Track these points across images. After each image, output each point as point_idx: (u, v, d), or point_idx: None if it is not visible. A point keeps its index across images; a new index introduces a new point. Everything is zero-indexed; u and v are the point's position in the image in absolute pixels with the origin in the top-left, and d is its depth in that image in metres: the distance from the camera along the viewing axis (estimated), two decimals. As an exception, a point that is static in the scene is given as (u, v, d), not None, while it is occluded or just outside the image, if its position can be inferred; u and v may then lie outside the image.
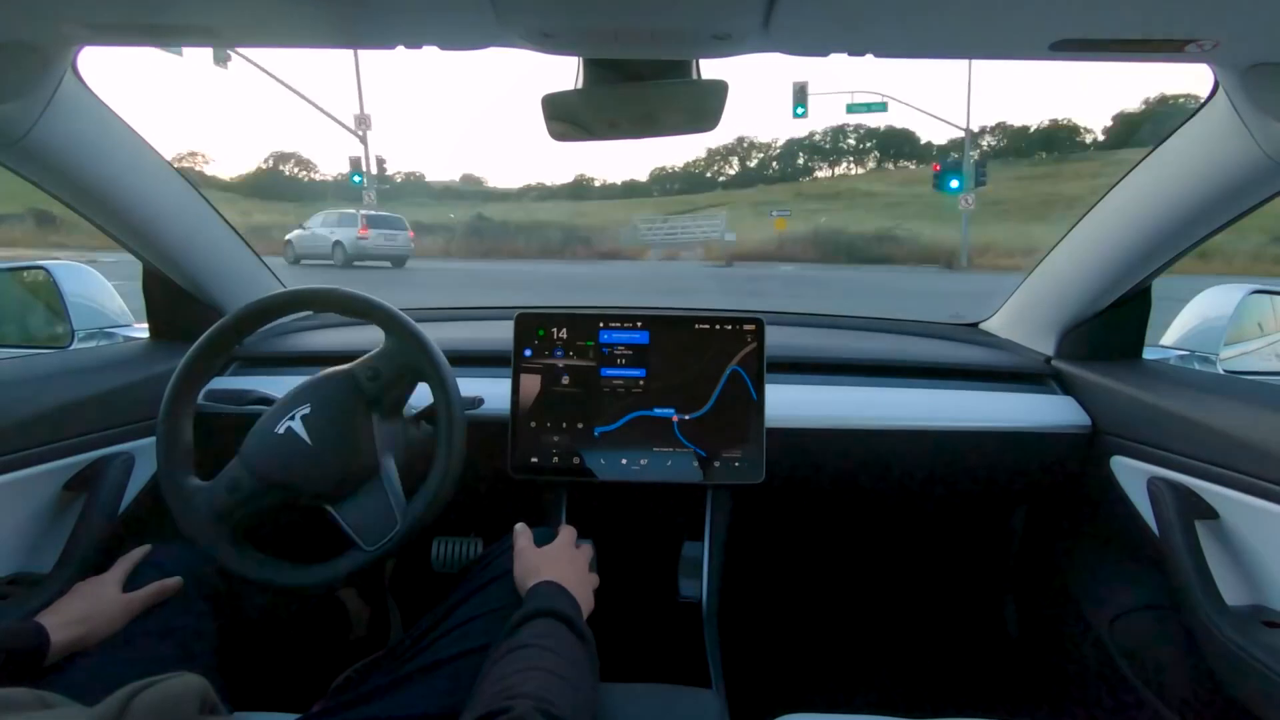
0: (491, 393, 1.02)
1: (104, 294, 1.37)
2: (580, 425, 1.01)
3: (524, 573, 0.75)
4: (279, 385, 0.90)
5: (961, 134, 18.40)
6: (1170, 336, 1.30)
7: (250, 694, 0.83)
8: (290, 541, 0.91)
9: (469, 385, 0.93)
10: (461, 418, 0.83)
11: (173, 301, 1.14)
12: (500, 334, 1.06)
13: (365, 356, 0.87)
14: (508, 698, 0.52)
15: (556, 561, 0.76)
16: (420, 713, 0.67)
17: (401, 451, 0.86)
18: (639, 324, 1.02)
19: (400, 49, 0.66)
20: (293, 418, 0.81)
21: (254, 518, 0.81)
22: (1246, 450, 0.83)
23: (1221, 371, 1.22)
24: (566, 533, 0.84)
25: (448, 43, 0.66)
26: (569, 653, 0.62)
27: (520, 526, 0.82)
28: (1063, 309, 1.15)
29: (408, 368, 0.84)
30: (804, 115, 14.62)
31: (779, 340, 1.10)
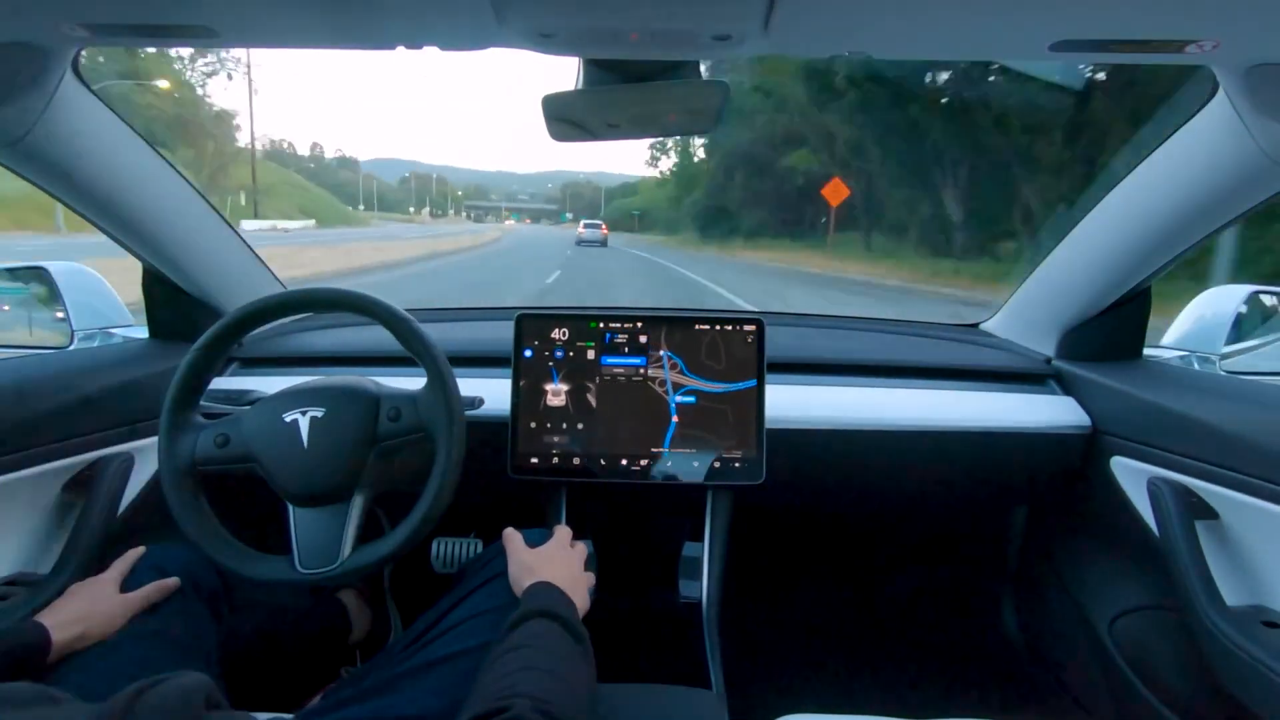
0: (491, 393, 1.02)
1: (104, 294, 1.37)
2: (580, 426, 1.01)
3: (519, 574, 0.74)
4: (279, 385, 0.90)
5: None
6: (1170, 337, 1.30)
7: (250, 695, 0.83)
8: (257, 529, 0.91)
9: (469, 385, 0.93)
10: (462, 418, 0.83)
11: (173, 301, 1.14)
12: (500, 334, 1.06)
13: (400, 393, 0.86)
14: (505, 697, 0.52)
15: (551, 562, 0.76)
16: (414, 712, 0.67)
17: (376, 491, 0.86)
18: (639, 324, 1.02)
19: (400, 49, 0.66)
20: (304, 413, 0.82)
21: (221, 477, 0.83)
22: (1246, 450, 0.82)
23: (1221, 372, 1.22)
24: (561, 532, 0.84)
25: (448, 43, 0.65)
26: (564, 652, 0.62)
27: (510, 530, 0.82)
28: (1063, 309, 1.15)
29: (431, 427, 0.83)
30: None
31: (779, 341, 1.10)
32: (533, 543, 0.80)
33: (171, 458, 0.81)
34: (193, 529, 0.81)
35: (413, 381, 0.91)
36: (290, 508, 0.82)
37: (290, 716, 0.71)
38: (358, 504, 0.82)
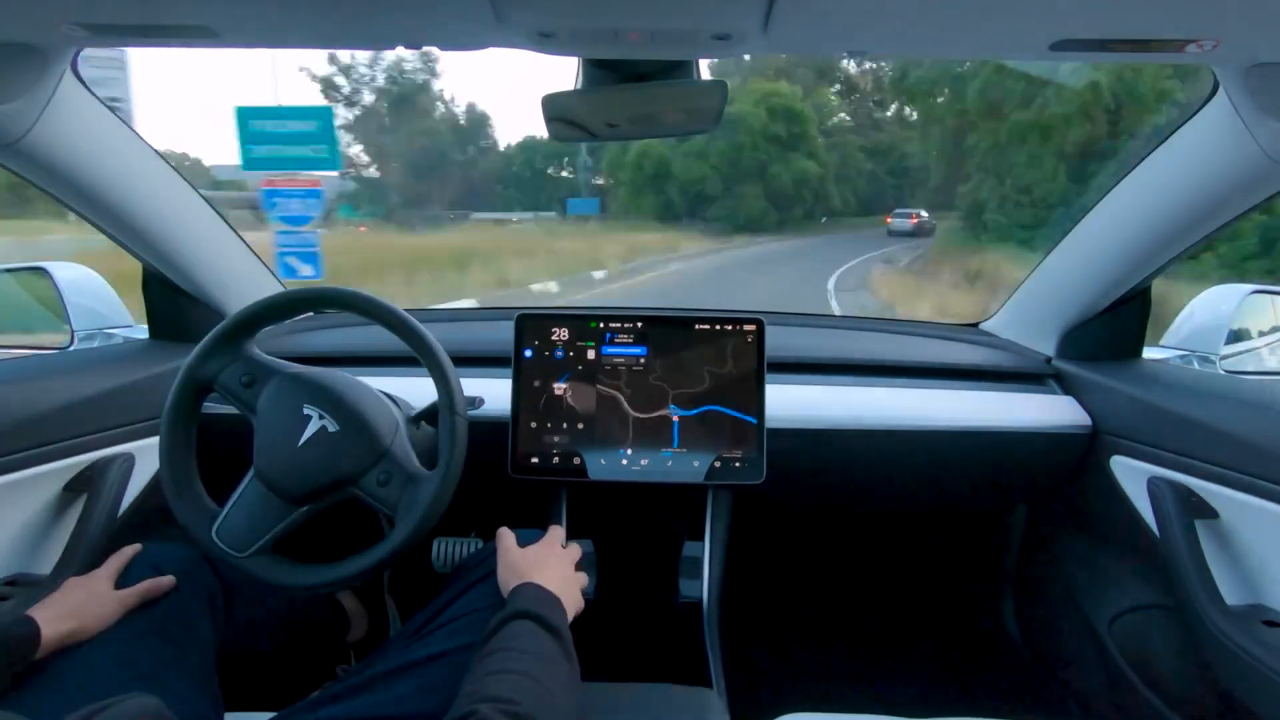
0: (492, 393, 1.03)
1: (104, 294, 1.37)
2: (580, 426, 1.01)
3: (507, 575, 0.75)
4: None
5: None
6: (1170, 336, 1.30)
7: (246, 694, 0.83)
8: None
9: (469, 385, 0.93)
10: (463, 418, 0.83)
11: (172, 302, 1.14)
12: (501, 334, 1.06)
13: (404, 465, 0.83)
14: (471, 704, 0.53)
15: (540, 563, 0.76)
16: (400, 711, 0.68)
17: (321, 509, 0.84)
18: (639, 324, 1.02)
19: (400, 49, 0.66)
20: (320, 416, 0.82)
21: (225, 402, 0.83)
22: (1246, 450, 0.83)
23: (1221, 371, 1.22)
24: (554, 533, 0.84)
25: (447, 43, 0.66)
26: (540, 652, 0.62)
27: (503, 530, 0.82)
28: (1063, 309, 1.15)
29: (403, 510, 0.80)
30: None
31: (779, 340, 1.10)
32: (525, 543, 0.80)
33: (195, 367, 0.82)
34: (167, 438, 0.81)
35: (414, 383, 0.91)
36: (250, 474, 0.82)
37: (272, 715, 0.71)
38: (298, 514, 0.81)
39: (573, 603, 0.73)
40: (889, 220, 22.62)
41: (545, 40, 0.63)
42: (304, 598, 1.07)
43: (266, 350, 1.18)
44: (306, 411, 0.81)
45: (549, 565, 0.76)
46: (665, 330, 1.02)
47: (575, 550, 0.83)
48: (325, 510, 0.83)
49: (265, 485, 0.81)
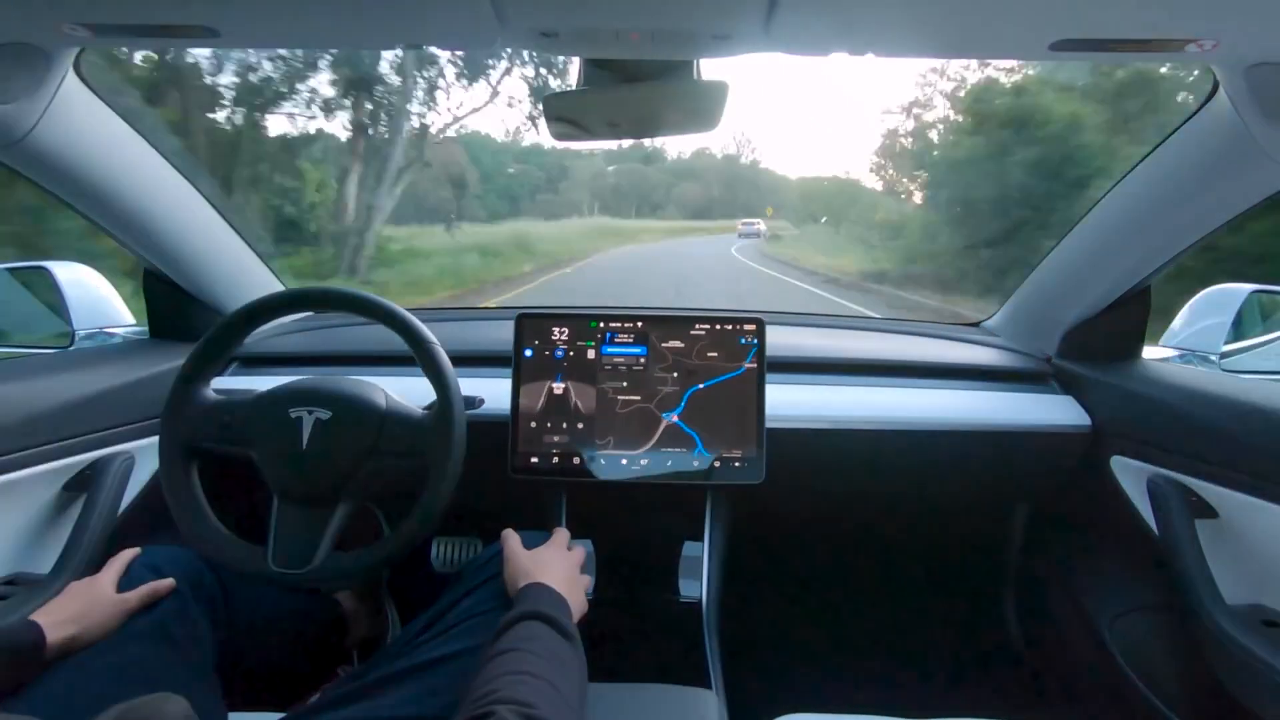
0: (491, 393, 1.03)
1: (104, 294, 1.37)
2: (580, 426, 1.01)
3: (514, 576, 0.75)
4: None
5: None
6: (1170, 336, 1.30)
7: (247, 695, 0.83)
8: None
9: (469, 385, 0.93)
10: (462, 418, 0.83)
11: (173, 301, 1.14)
12: (500, 334, 1.06)
13: (407, 414, 0.85)
14: (488, 703, 0.52)
15: (547, 564, 0.76)
16: (407, 714, 0.67)
17: (361, 501, 0.85)
18: (639, 324, 1.02)
19: (400, 49, 0.66)
20: (309, 412, 0.82)
21: (220, 458, 0.84)
22: (1246, 449, 0.83)
23: (1221, 371, 1.22)
24: (559, 535, 0.84)
25: (448, 43, 0.66)
26: (553, 653, 0.62)
27: (508, 531, 0.82)
28: (1063, 309, 1.15)
29: (428, 454, 0.82)
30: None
31: (779, 340, 1.10)
32: (531, 545, 0.80)
33: (171, 431, 0.82)
34: (177, 506, 0.81)
35: (415, 383, 0.91)
36: (276, 502, 0.82)
37: (280, 716, 0.71)
38: (341, 511, 0.82)
39: (577, 605, 0.74)
40: (740, 226, 25.02)
41: (547, 40, 0.63)
42: (302, 600, 1.07)
43: (266, 350, 1.19)
44: (294, 414, 0.82)
45: (555, 567, 0.76)
46: (665, 330, 1.02)
47: (580, 552, 0.83)
48: (363, 499, 0.84)
49: (293, 502, 0.82)
